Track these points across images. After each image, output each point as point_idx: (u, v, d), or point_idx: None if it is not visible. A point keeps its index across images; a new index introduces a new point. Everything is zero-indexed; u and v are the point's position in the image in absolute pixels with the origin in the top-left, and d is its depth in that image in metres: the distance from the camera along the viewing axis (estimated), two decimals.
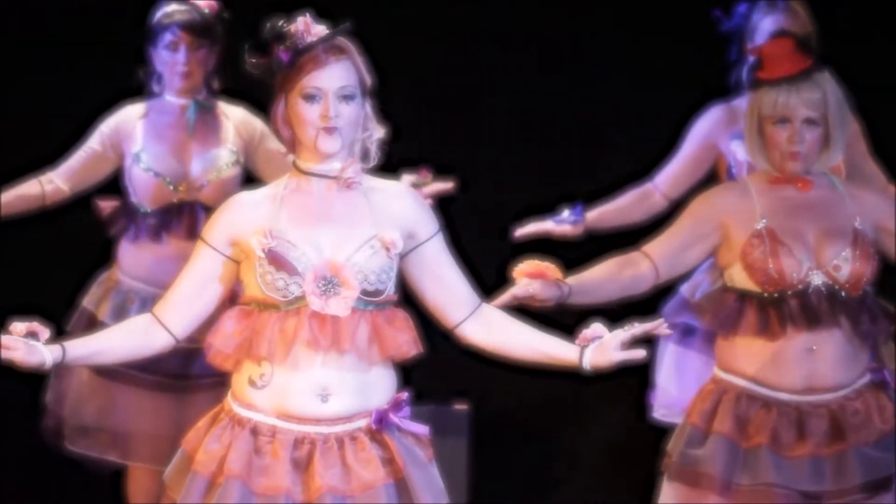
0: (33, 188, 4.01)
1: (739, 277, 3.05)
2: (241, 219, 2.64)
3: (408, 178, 3.49)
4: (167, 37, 3.99)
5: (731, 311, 3.05)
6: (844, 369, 3.01)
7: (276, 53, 2.55)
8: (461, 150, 4.86)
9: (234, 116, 4.16)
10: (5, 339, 2.42)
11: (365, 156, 2.65)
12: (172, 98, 4.11)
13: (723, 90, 3.79)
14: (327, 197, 2.63)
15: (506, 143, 9.97)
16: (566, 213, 3.61)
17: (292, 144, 2.64)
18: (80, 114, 4.33)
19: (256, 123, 4.11)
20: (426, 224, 2.71)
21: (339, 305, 2.57)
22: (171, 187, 4.07)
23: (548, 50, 5.13)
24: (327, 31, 2.57)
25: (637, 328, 2.64)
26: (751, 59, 3.29)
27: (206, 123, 4.12)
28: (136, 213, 4.09)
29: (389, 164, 2.75)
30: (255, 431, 2.59)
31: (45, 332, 2.47)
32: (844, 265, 2.99)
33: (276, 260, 2.58)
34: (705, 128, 3.78)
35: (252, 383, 2.62)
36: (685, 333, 6.99)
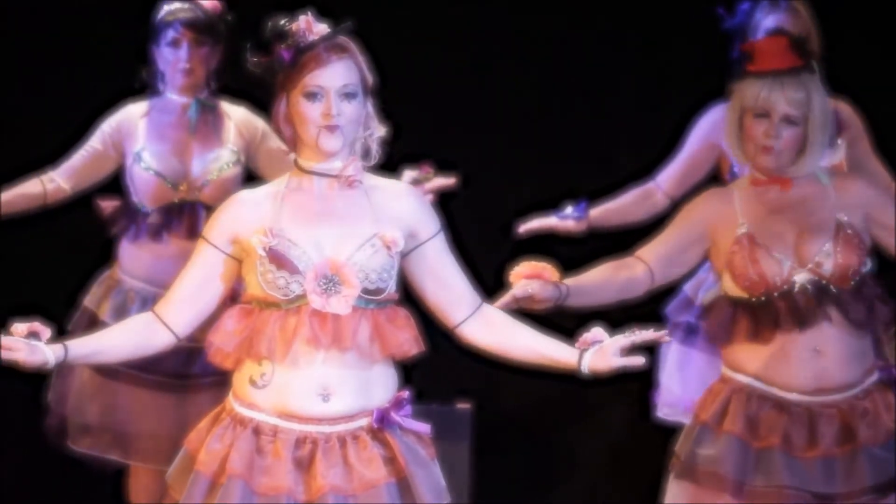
0: (34, 187, 4.00)
1: (729, 284, 3.06)
2: (242, 217, 2.64)
3: (410, 174, 3.49)
4: (170, 34, 3.99)
5: (724, 319, 3.05)
6: (851, 367, 2.99)
7: (277, 52, 2.55)
8: (464, 147, 4.84)
9: (236, 116, 4.16)
10: (7, 339, 2.41)
11: (366, 154, 2.64)
12: (174, 96, 4.10)
13: (724, 90, 3.77)
14: (328, 195, 2.63)
15: (509, 140, 10.00)
16: (569, 210, 3.60)
17: (294, 143, 2.64)
18: (82, 113, 4.32)
19: (258, 123, 4.10)
20: (427, 223, 2.71)
21: (340, 304, 2.56)
22: (172, 187, 4.06)
23: (551, 48, 5.12)
24: (329, 30, 2.57)
25: (637, 335, 2.64)
26: (740, 54, 3.29)
27: (207, 123, 4.12)
28: (136, 213, 4.08)
29: (391, 161, 2.74)
30: (256, 431, 2.58)
31: (46, 331, 2.46)
32: (827, 260, 2.97)
33: (277, 258, 2.58)
34: (707, 127, 3.77)
35: (253, 382, 2.61)
36: (688, 332, 7.00)
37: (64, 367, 3.00)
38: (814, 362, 2.97)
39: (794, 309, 2.96)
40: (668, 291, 3.81)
